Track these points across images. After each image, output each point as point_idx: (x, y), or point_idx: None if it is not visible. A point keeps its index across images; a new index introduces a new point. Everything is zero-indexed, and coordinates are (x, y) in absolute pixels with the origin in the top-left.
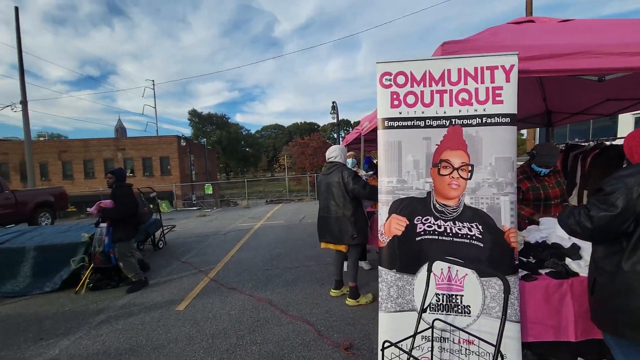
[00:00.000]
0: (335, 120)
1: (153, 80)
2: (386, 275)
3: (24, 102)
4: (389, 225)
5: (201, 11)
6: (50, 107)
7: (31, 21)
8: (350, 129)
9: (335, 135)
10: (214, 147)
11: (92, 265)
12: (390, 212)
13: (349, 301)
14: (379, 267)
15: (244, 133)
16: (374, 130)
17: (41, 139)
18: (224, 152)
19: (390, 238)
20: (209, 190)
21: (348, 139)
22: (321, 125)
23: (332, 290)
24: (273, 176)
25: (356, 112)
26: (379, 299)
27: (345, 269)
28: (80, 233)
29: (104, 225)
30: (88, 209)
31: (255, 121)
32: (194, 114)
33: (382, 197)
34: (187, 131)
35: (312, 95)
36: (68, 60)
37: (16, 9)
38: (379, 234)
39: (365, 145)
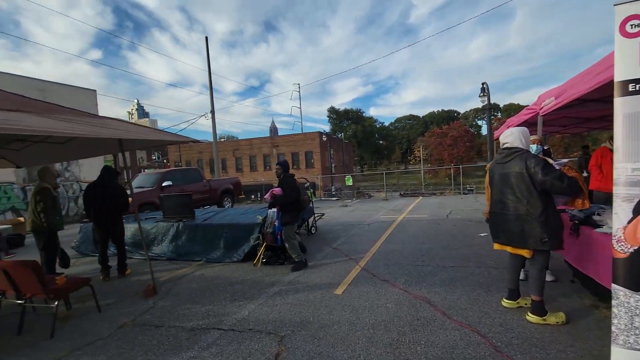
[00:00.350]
0: (484, 104)
1: (299, 84)
2: (626, 298)
3: (212, 112)
4: (633, 230)
5: (339, 13)
6: (227, 114)
7: (215, 48)
8: (499, 114)
9: (479, 122)
10: (350, 141)
11: (264, 243)
12: (635, 213)
13: (531, 317)
14: (613, 284)
15: (377, 126)
16: (559, 108)
17: (222, 140)
18: (359, 145)
19: (635, 248)
20: (349, 181)
21: (511, 122)
22: (461, 112)
23: (504, 299)
24: (407, 168)
25: (506, 94)
26: (613, 327)
27: (521, 276)
28: (256, 215)
29: (274, 210)
30: (265, 197)
31: (388, 113)
32: (332, 110)
33: (620, 191)
34: (327, 127)
35: (451, 81)
36: (238, 75)
37: (206, 38)
38: (614, 241)
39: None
